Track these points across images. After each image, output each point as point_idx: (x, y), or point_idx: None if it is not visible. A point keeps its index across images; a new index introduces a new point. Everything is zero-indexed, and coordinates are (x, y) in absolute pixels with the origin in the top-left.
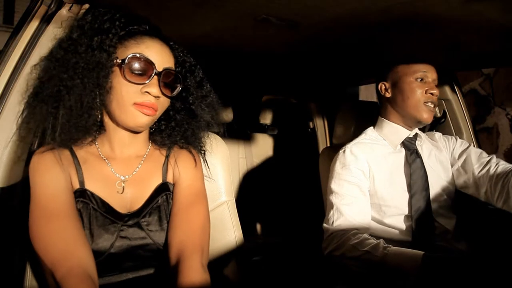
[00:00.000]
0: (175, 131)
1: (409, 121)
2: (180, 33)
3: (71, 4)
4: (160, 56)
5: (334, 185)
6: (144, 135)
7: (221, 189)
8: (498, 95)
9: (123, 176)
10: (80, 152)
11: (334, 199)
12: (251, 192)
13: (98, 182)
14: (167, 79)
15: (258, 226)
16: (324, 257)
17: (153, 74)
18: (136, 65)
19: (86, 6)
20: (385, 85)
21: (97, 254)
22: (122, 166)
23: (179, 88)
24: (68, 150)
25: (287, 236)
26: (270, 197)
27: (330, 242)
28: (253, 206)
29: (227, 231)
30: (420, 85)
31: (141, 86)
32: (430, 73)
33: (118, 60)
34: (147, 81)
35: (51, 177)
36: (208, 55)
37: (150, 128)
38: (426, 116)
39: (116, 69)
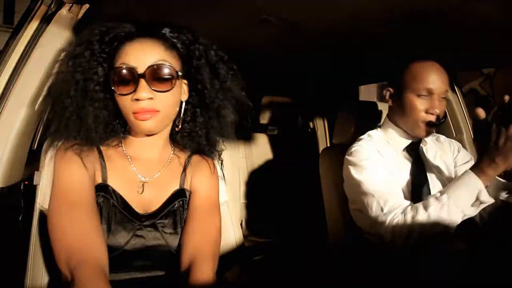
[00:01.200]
0: (198, 133)
1: (411, 132)
2: None
3: (71, 4)
4: (140, 56)
5: (363, 175)
6: (164, 139)
7: (221, 189)
8: (498, 95)
9: (144, 177)
10: (107, 151)
11: (371, 188)
12: (251, 192)
13: (120, 180)
14: (157, 74)
15: (258, 226)
16: (323, 257)
17: (137, 79)
18: (119, 78)
19: (86, 6)
20: (389, 92)
21: (111, 250)
22: (144, 168)
23: (177, 79)
24: (95, 148)
25: (287, 236)
26: (270, 197)
27: (395, 230)
28: (253, 206)
29: (227, 231)
30: (422, 102)
31: (132, 95)
32: (437, 88)
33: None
34: (135, 89)
35: (75, 169)
36: None
37: (176, 126)
38: (423, 134)
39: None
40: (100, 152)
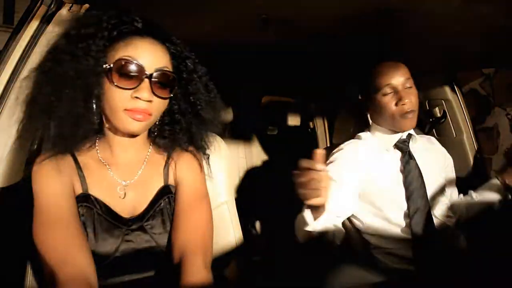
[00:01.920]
0: (180, 135)
1: (395, 128)
2: (180, 33)
3: (71, 4)
4: (150, 56)
5: None
6: (143, 138)
7: (221, 189)
8: (498, 95)
9: (124, 181)
10: (82, 157)
11: None
12: (251, 192)
13: (101, 187)
14: (161, 80)
15: (258, 226)
16: (323, 256)
17: (142, 78)
18: (124, 70)
19: (86, 6)
20: (361, 100)
21: (102, 258)
22: (123, 171)
23: (175, 89)
24: (70, 156)
25: (287, 236)
26: (270, 197)
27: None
28: (253, 206)
29: (227, 231)
30: (390, 99)
31: (131, 91)
32: (398, 81)
33: (106, 65)
34: (137, 86)
35: (53, 184)
36: (208, 55)
37: (153, 132)
38: (406, 126)
39: (107, 74)
40: (76, 161)
